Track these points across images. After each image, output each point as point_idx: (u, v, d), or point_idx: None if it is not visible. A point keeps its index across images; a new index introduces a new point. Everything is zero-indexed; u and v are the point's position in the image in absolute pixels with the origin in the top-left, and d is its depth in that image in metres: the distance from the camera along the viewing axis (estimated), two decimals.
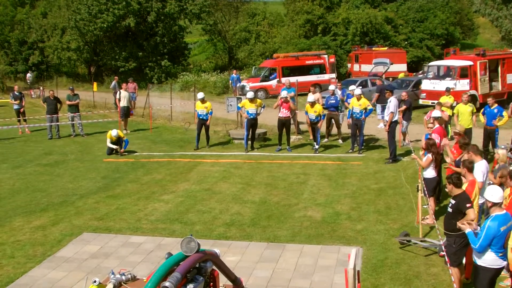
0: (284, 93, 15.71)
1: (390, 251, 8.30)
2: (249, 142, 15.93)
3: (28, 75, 36.74)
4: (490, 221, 5.83)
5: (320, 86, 28.49)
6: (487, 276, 5.95)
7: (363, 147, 15.34)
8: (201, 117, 16.16)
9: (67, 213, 10.41)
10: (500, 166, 8.48)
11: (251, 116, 15.55)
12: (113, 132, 15.52)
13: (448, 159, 9.78)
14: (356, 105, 14.61)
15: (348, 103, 15.76)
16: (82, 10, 33.81)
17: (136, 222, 9.88)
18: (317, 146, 15.41)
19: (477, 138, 13.71)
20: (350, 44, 36.39)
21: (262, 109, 15.97)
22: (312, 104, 15.15)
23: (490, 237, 5.74)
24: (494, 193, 5.92)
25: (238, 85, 26.30)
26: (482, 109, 14.01)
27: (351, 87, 16.33)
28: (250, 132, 15.78)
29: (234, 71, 30.09)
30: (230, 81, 28.51)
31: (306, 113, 15.46)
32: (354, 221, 9.64)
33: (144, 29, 34.80)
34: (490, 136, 13.44)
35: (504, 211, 5.98)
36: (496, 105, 13.55)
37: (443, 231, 6.99)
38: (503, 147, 10.02)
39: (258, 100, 15.98)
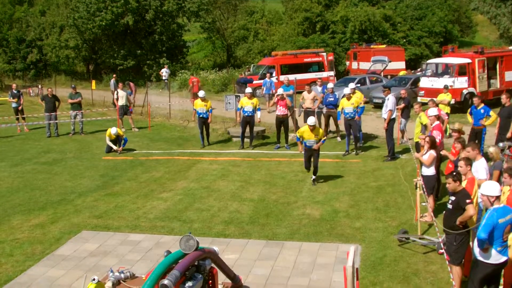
0: (280, 91, 15.66)
1: (389, 248, 8.31)
2: (246, 139, 15.89)
3: (165, 70, 29.87)
4: (490, 212, 5.94)
5: None
6: (484, 271, 6.00)
7: (361, 145, 15.32)
8: (201, 115, 15.92)
9: (66, 211, 10.41)
10: (495, 164, 8.48)
11: (247, 114, 15.46)
12: (113, 130, 15.51)
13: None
14: (348, 104, 14.29)
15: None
16: (80, 8, 33.78)
17: (135, 220, 9.89)
18: None
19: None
20: (349, 42, 36.39)
21: (258, 111, 15.65)
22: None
23: (490, 223, 5.79)
24: (492, 188, 6.02)
25: (270, 92, 22.44)
26: (469, 109, 13.57)
27: (350, 85, 16.27)
28: (247, 130, 15.73)
29: (268, 74, 24.28)
30: (263, 88, 23.36)
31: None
32: (352, 219, 9.66)
33: (143, 27, 34.78)
34: (477, 136, 12.98)
35: (503, 204, 6.05)
36: (482, 105, 13.11)
37: (442, 228, 7.00)
38: (501, 145, 10.00)
39: (255, 99, 15.80)
